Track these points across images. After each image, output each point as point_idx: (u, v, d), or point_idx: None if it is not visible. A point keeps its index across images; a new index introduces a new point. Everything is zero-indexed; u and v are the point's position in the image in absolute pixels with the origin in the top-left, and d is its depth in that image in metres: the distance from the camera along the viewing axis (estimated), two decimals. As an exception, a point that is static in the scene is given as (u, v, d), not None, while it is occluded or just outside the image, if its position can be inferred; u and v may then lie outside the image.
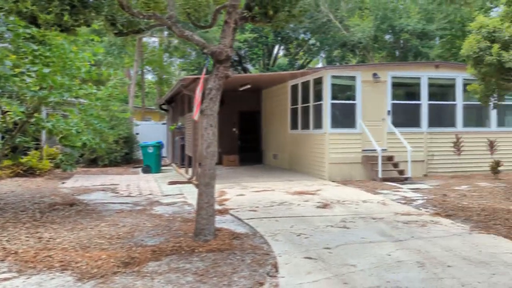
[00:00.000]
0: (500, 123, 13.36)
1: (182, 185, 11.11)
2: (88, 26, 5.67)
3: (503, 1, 8.87)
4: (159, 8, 7.59)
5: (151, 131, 21.06)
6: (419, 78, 12.74)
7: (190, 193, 9.56)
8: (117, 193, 9.83)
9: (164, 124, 22.79)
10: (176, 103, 17.59)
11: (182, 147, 14.85)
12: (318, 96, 12.48)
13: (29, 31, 6.01)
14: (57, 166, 12.72)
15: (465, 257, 4.94)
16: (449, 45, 24.17)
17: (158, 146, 14.78)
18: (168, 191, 10.07)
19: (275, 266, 4.69)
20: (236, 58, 29.21)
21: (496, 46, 8.48)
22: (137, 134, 19.72)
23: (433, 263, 4.75)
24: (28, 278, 4.31)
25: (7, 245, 5.36)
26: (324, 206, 7.96)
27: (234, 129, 17.71)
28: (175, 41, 22.19)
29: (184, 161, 14.11)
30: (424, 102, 12.68)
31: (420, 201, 8.48)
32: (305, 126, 13.47)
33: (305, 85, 13.46)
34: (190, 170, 12.47)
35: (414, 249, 5.27)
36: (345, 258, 4.94)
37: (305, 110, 13.44)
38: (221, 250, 5.16)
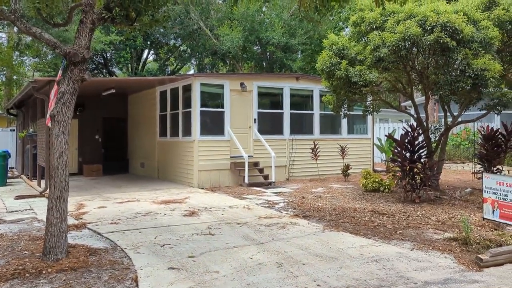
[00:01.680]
0: (350, 130, 15.03)
1: (33, 199, 9.93)
2: None
3: (350, 23, 9.98)
4: (2, 1, 6.68)
5: (-5, 138, 18.47)
6: (282, 88, 13.61)
7: (42, 208, 8.58)
8: None
9: (12, 130, 20.20)
10: (27, 108, 15.73)
11: (34, 156, 13.30)
12: (188, 103, 12.41)
13: None
14: None
15: (318, 254, 5.36)
16: (309, 58, 26.41)
17: (3, 156, 12.98)
18: (14, 207, 8.89)
19: (136, 281, 4.46)
20: (101, 61, 27.50)
21: (344, 62, 9.51)
22: None
23: (290, 263, 5.04)
24: None
25: None
26: (191, 214, 7.90)
27: (97, 137, 16.52)
28: (28, 38, 19.84)
29: (37, 172, 12.66)
30: (286, 111, 13.58)
31: (281, 204, 8.99)
32: (175, 133, 13.27)
33: (174, 91, 13.28)
34: (43, 182, 11.23)
35: (274, 250, 5.54)
36: (209, 265, 4.94)
37: (175, 117, 13.24)
38: (74, 269, 4.71)
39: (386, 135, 12.00)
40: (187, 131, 12.41)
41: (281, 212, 8.12)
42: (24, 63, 25.89)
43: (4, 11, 5.20)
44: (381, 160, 17.97)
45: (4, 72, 24.74)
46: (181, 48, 29.45)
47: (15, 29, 20.28)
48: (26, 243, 5.84)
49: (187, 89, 12.48)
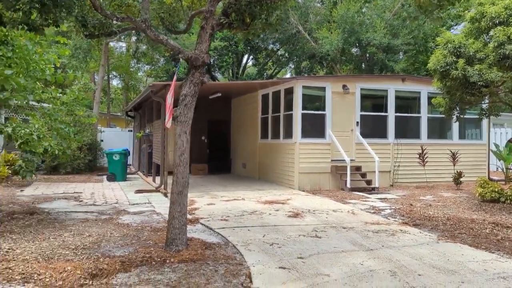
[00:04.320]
0: (461, 135, 13.90)
1: (150, 193, 10.83)
2: (57, 26, 5.40)
3: (467, 19, 9.24)
4: (131, 12, 7.42)
5: (116, 138, 20.55)
6: (386, 90, 13.07)
7: (159, 202, 9.34)
8: (80, 201, 9.44)
9: (130, 131, 22.31)
10: (143, 110, 17.23)
11: (150, 154, 14.51)
12: (289, 106, 12.54)
13: (-8, 29, 5.69)
14: (15, 172, 12.06)
15: (434, 266, 5.03)
16: (413, 59, 25.02)
17: (124, 154, 14.38)
18: (135, 200, 9.78)
19: (249, 277, 4.60)
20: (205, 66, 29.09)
21: (461, 61, 8.80)
22: (101, 141, 19.20)
23: (404, 272, 4.80)
24: (-15, 292, 4.02)
25: (-39, 256, 5.00)
26: (295, 215, 7.95)
27: (203, 138, 17.53)
28: (143, 47, 21.79)
29: (151, 169, 13.78)
30: (391, 114, 13.01)
31: (388, 211, 8.62)
32: (275, 135, 13.50)
33: (276, 94, 13.52)
34: (158, 179, 12.19)
35: (385, 258, 5.32)
36: (319, 268, 4.91)
37: (276, 120, 13.48)
38: (193, 260, 5.01)
39: (509, 141, 10.85)
40: (288, 134, 12.53)
41: (389, 219, 7.78)
42: (140, 69, 28.57)
43: (137, 21, 5.76)
44: (497, 168, 16.29)
45: (123, 78, 27.54)
46: (279, 52, 29.91)
47: (133, 38, 22.42)
48: (149, 234, 6.38)
49: (289, 92, 12.61)
